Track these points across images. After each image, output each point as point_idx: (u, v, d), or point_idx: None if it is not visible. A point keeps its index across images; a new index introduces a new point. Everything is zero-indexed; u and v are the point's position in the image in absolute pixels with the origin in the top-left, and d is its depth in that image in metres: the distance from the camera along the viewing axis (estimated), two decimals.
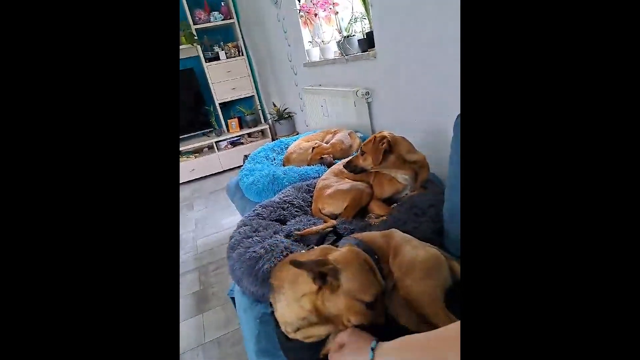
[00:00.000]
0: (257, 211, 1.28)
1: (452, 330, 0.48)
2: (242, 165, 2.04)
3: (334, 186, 1.27)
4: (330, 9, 2.04)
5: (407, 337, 0.54)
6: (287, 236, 1.13)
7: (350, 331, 0.62)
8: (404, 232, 0.87)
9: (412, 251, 0.79)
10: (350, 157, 1.31)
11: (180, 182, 3.49)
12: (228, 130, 3.75)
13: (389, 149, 1.11)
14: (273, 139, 3.61)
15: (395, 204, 1.20)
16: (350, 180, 1.29)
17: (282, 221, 1.25)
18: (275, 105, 3.54)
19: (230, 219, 2.47)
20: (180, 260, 2.06)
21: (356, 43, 1.90)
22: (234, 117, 3.75)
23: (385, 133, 1.15)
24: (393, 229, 0.89)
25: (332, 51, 2.18)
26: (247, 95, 3.73)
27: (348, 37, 1.92)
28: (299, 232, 1.11)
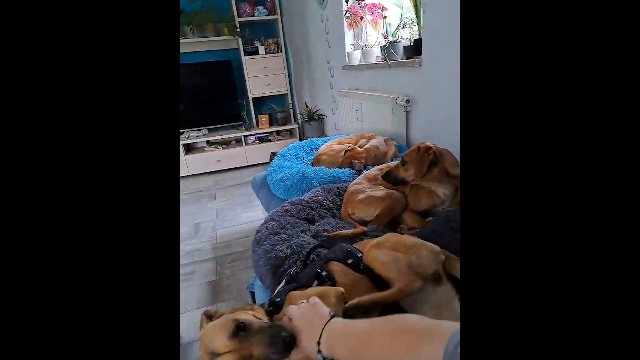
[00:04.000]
0: (286, 207, 1.25)
1: (397, 320, 0.49)
2: (268, 162, 2.02)
3: (366, 192, 1.22)
4: (378, 12, 2.01)
5: (353, 321, 0.53)
6: (315, 236, 1.09)
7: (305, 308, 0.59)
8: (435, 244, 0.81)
9: (398, 236, 0.77)
10: (388, 166, 1.26)
11: (205, 171, 3.53)
12: (258, 125, 3.77)
13: (434, 160, 1.05)
14: (301, 139, 3.60)
15: (430, 218, 1.14)
16: (384, 188, 1.23)
17: (310, 221, 1.21)
18: (307, 106, 3.53)
19: (250, 213, 2.46)
20: (199, 248, 2.06)
21: (401, 49, 1.85)
22: (265, 114, 3.77)
23: (430, 144, 1.10)
24: (390, 234, 0.85)
25: (375, 56, 2.14)
26: (280, 93, 3.74)
27: (393, 42, 1.87)
28: (328, 234, 1.06)
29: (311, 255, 0.90)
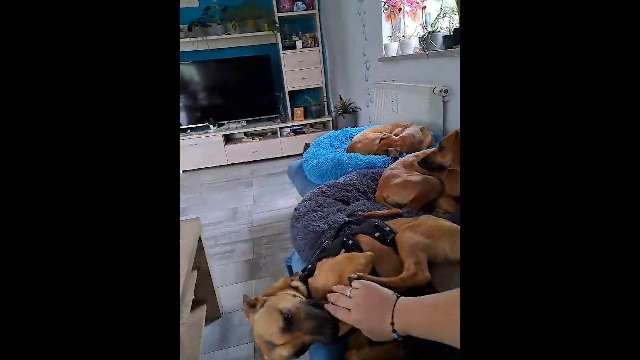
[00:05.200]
0: (322, 189, 1.31)
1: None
2: (301, 154, 2.09)
3: (402, 176, 1.25)
4: (417, 3, 2.00)
5: (423, 297, 0.53)
6: (350, 215, 1.14)
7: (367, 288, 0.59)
8: None
9: (435, 220, 0.79)
10: (425, 153, 1.28)
11: (242, 161, 3.69)
12: (293, 118, 3.87)
13: None
14: None
15: None
16: (420, 174, 1.26)
17: (346, 202, 1.26)
18: (341, 99, 3.57)
19: (284, 201, 2.56)
20: (236, 230, 2.19)
21: (440, 39, 1.84)
22: (300, 106, 3.86)
23: None
24: (427, 215, 0.87)
25: (412, 47, 2.14)
26: (315, 86, 3.81)
27: (432, 32, 1.87)
28: (363, 213, 1.11)
29: (345, 231, 0.95)
